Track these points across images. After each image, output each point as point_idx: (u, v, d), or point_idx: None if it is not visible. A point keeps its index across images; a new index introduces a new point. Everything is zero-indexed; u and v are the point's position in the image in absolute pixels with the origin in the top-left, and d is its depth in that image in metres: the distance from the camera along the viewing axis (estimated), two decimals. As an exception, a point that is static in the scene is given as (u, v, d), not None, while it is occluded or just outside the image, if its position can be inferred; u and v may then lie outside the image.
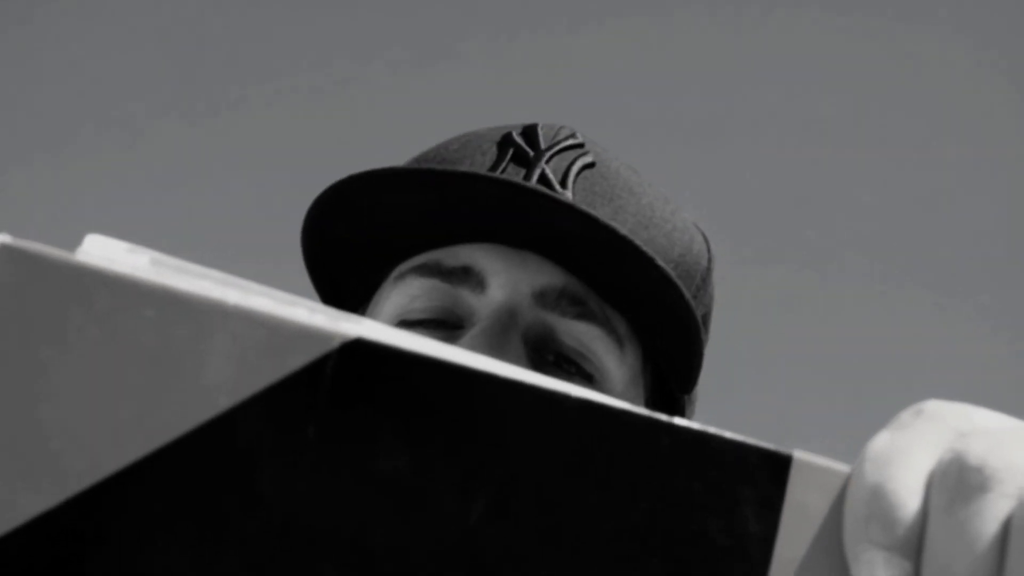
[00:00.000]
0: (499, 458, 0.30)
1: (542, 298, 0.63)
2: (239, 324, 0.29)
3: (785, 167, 2.94)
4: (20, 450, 0.28)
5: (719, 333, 0.74)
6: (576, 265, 0.64)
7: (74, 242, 0.31)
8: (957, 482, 0.30)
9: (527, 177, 0.65)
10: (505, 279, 0.63)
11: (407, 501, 0.29)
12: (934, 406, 0.32)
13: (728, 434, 0.31)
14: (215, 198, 2.87)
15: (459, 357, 0.30)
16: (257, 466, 0.29)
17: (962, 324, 2.86)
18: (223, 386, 0.29)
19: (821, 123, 2.93)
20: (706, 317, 0.70)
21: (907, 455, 0.31)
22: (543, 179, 0.65)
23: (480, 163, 0.66)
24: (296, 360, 0.29)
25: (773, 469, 0.31)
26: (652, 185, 0.69)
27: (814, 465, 0.31)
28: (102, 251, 0.31)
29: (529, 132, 0.67)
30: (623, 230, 0.61)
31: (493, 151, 0.66)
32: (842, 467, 0.31)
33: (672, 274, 0.62)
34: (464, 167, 0.66)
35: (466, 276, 0.64)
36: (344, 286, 0.70)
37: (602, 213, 0.63)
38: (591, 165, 0.67)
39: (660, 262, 0.61)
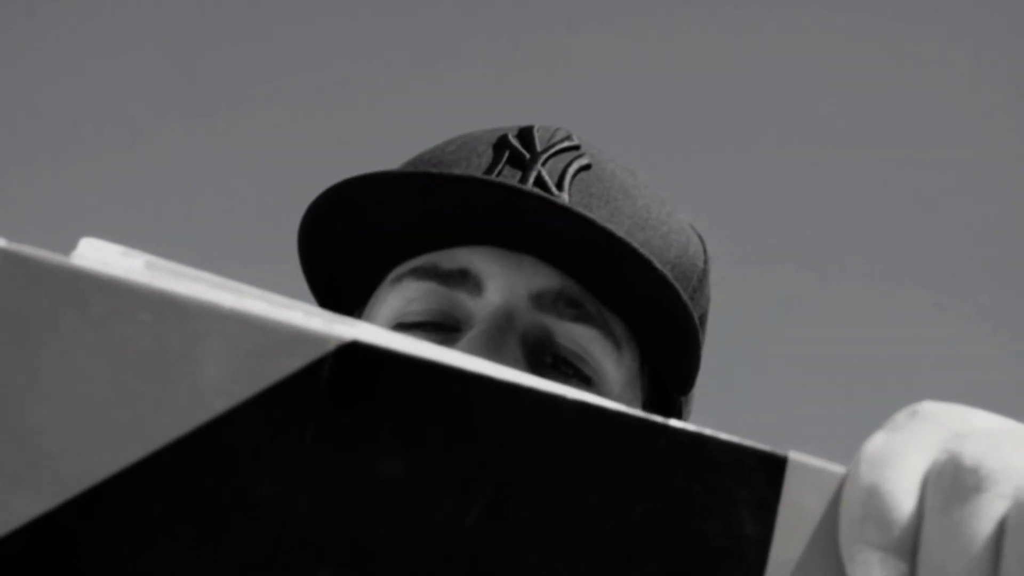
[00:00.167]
0: (496, 460, 0.30)
1: (539, 301, 0.63)
2: (235, 327, 0.29)
3: (784, 167, 2.94)
4: (17, 453, 0.28)
5: (717, 333, 0.74)
6: (573, 267, 0.64)
7: (69, 245, 0.31)
8: (952, 483, 0.30)
9: (523, 180, 0.65)
10: (502, 282, 0.63)
11: (405, 503, 0.30)
12: (929, 407, 0.33)
13: (724, 436, 0.31)
14: (210, 201, 2.87)
15: (455, 360, 0.30)
16: (254, 469, 0.29)
17: (961, 324, 2.86)
18: (219, 389, 0.29)
19: (821, 123, 2.93)
20: (703, 318, 0.70)
21: (903, 456, 0.31)
22: (539, 181, 0.65)
23: (476, 165, 0.66)
24: (292, 363, 0.29)
25: (769, 470, 0.31)
26: (648, 187, 0.69)
27: (810, 466, 0.31)
28: (97, 255, 0.31)
29: (525, 134, 0.67)
30: (620, 232, 0.61)
31: (489, 153, 0.66)
32: (838, 468, 0.31)
33: (670, 276, 0.62)
34: (460, 169, 0.66)
35: (463, 279, 0.64)
36: (340, 289, 0.70)
37: (598, 215, 0.64)
38: (587, 167, 0.67)
39: (657, 264, 0.61)
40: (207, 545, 0.29)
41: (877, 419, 0.34)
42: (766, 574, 0.30)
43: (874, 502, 0.30)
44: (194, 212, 2.87)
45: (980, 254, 2.90)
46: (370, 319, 0.67)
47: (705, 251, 0.70)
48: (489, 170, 0.65)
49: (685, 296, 0.63)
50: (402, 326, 0.64)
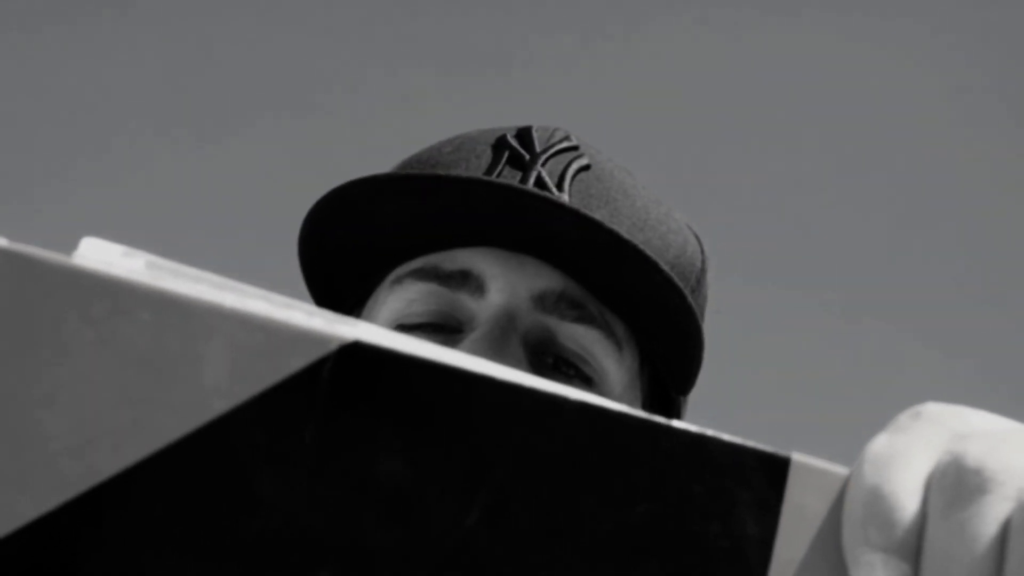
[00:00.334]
0: (497, 461, 0.30)
1: (541, 302, 0.63)
2: (236, 327, 0.29)
3: (784, 166, 2.95)
4: (18, 454, 0.28)
5: (717, 333, 0.74)
6: (574, 268, 0.64)
7: (70, 245, 0.31)
8: (956, 484, 0.30)
9: (523, 180, 0.65)
10: (504, 283, 0.63)
11: (406, 504, 0.29)
12: (932, 408, 0.32)
13: (726, 436, 0.31)
14: (212, 202, 2.87)
15: (457, 360, 0.30)
16: (255, 469, 0.29)
17: (963, 327, 2.86)
18: (220, 389, 0.29)
19: (819, 125, 2.93)
20: (700, 317, 0.70)
21: (905, 457, 0.31)
22: (539, 182, 0.65)
23: (475, 166, 0.66)
24: (293, 363, 0.29)
25: (771, 471, 0.31)
26: (646, 187, 0.69)
27: (812, 467, 0.31)
28: (98, 254, 0.31)
29: (524, 135, 0.67)
30: (626, 234, 0.61)
31: (488, 154, 0.66)
32: (840, 469, 0.31)
33: (674, 277, 0.62)
34: (459, 170, 0.66)
35: (465, 280, 0.64)
36: (339, 291, 0.70)
37: (598, 216, 0.64)
38: (586, 167, 0.67)
39: (664, 266, 0.61)
40: (208, 546, 0.29)
41: (875, 423, 0.34)
42: (769, 575, 0.30)
43: (877, 503, 0.30)
44: (191, 215, 2.88)
45: (981, 253, 2.91)
46: (369, 320, 0.67)
47: (703, 250, 0.70)
48: (489, 171, 0.65)
49: (690, 298, 0.63)
50: (403, 327, 0.64)
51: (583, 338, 0.63)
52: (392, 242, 0.66)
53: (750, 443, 0.31)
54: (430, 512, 0.30)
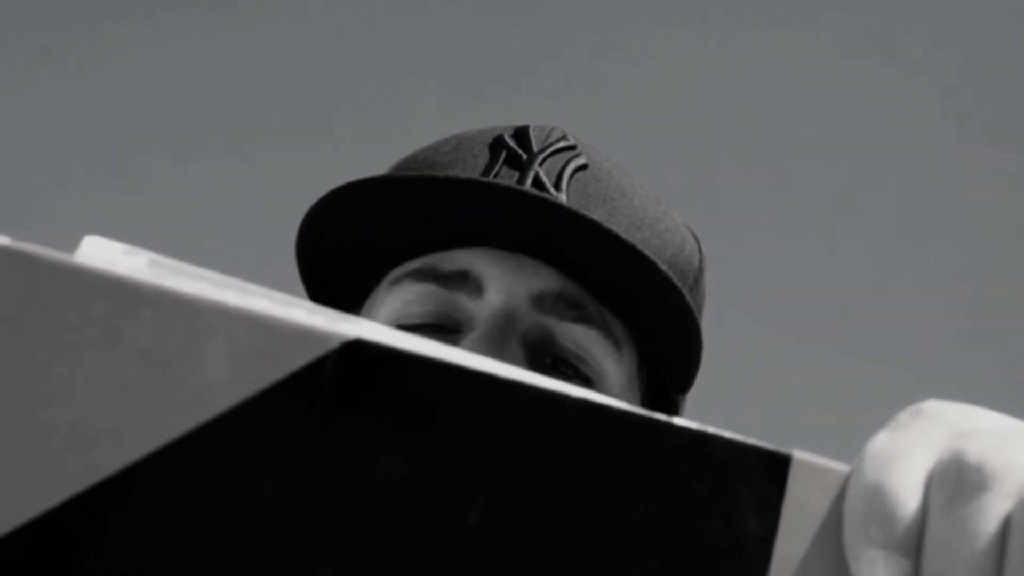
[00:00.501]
0: (499, 459, 0.30)
1: (540, 302, 0.63)
2: (238, 325, 0.29)
3: (783, 163, 2.94)
4: (19, 451, 0.28)
5: (715, 331, 0.74)
6: (573, 268, 0.64)
7: (73, 244, 0.31)
8: (956, 481, 0.30)
9: (521, 180, 0.65)
10: (502, 283, 0.63)
11: (406, 502, 0.29)
12: (933, 406, 0.32)
13: (728, 434, 0.31)
14: (214, 200, 2.87)
15: (459, 358, 0.30)
16: (256, 467, 0.29)
17: (964, 322, 2.86)
18: (222, 387, 0.29)
19: (819, 127, 2.93)
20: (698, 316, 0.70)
21: (906, 455, 0.31)
22: (537, 182, 0.65)
23: (472, 166, 0.66)
24: (295, 361, 0.29)
25: (772, 469, 0.31)
26: (643, 186, 0.69)
27: (814, 465, 0.31)
28: (100, 253, 0.31)
29: (521, 134, 0.67)
30: (624, 234, 0.61)
31: (485, 154, 0.66)
32: (841, 467, 0.31)
33: (673, 277, 0.62)
34: (457, 171, 0.66)
35: (463, 281, 0.64)
36: (337, 293, 0.70)
37: (596, 215, 0.63)
38: (584, 167, 0.67)
39: (663, 266, 0.61)
40: (209, 544, 0.29)
41: (876, 421, 0.34)
42: (770, 572, 0.30)
43: (878, 500, 0.30)
44: (194, 214, 2.87)
45: (980, 247, 2.91)
46: None
47: (700, 249, 0.70)
48: (486, 171, 0.65)
49: (689, 297, 0.63)
50: (401, 328, 0.64)
51: (582, 338, 0.63)
52: (390, 243, 0.66)
53: (751, 440, 0.31)
54: (431, 511, 0.30)
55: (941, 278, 2.88)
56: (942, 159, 2.84)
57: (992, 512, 0.29)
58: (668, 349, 0.66)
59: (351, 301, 0.70)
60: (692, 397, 0.73)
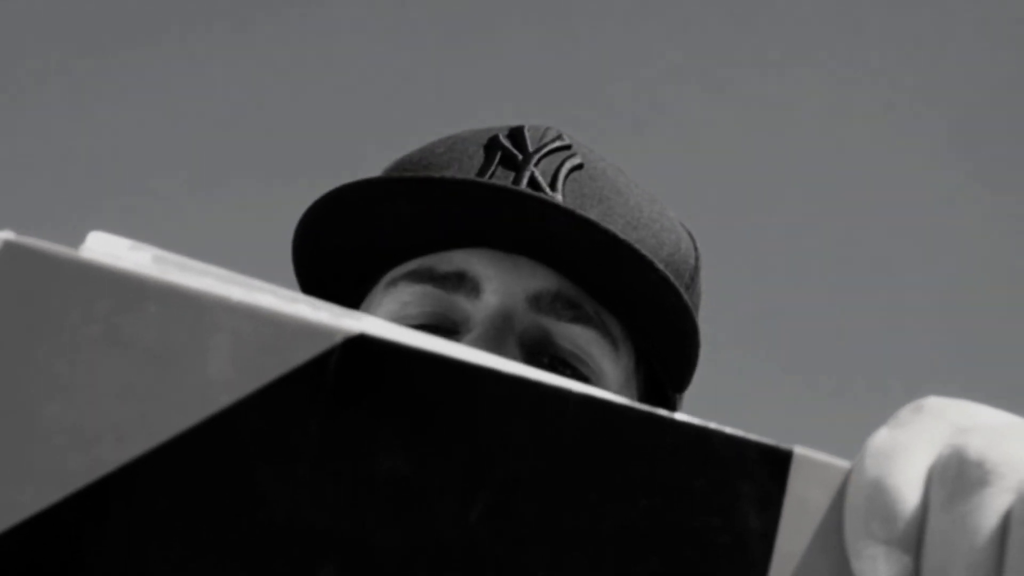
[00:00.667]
0: (501, 455, 0.30)
1: (537, 302, 0.63)
2: (242, 320, 0.29)
3: (781, 162, 2.95)
4: (22, 446, 0.28)
5: (714, 330, 0.74)
6: (570, 268, 0.64)
7: (78, 239, 0.31)
8: (957, 477, 0.30)
9: (516, 180, 0.65)
10: (499, 284, 0.63)
11: (408, 498, 0.29)
12: (934, 402, 0.33)
13: (729, 430, 0.31)
14: (218, 197, 2.87)
15: (462, 353, 0.30)
16: (259, 463, 0.29)
17: (966, 316, 2.86)
18: (226, 382, 0.29)
19: (819, 126, 2.93)
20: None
21: (907, 450, 0.31)
22: (533, 182, 0.65)
23: (468, 167, 0.66)
24: (299, 356, 0.29)
25: (773, 465, 0.31)
26: (638, 185, 0.69)
27: (814, 461, 0.31)
28: (105, 248, 0.31)
29: (516, 134, 0.67)
30: (620, 233, 0.61)
31: (480, 155, 0.66)
32: (842, 463, 0.31)
33: (670, 276, 0.62)
34: (452, 172, 0.66)
35: (460, 282, 0.64)
36: (334, 294, 0.70)
37: (592, 215, 0.64)
38: (579, 167, 0.67)
39: (659, 264, 0.61)
40: (211, 539, 0.29)
41: (877, 418, 0.34)
42: (771, 569, 0.30)
43: (879, 496, 0.30)
44: (199, 211, 2.88)
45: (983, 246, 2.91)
46: None
47: (696, 248, 0.70)
48: (482, 172, 0.65)
49: (685, 296, 0.63)
50: None
51: (579, 338, 0.63)
52: (386, 244, 0.66)
53: (752, 436, 0.31)
54: (433, 507, 0.30)
55: (942, 278, 2.88)
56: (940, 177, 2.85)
57: (992, 507, 0.29)
58: (665, 348, 0.66)
59: (348, 303, 0.70)
60: (689, 396, 0.73)
